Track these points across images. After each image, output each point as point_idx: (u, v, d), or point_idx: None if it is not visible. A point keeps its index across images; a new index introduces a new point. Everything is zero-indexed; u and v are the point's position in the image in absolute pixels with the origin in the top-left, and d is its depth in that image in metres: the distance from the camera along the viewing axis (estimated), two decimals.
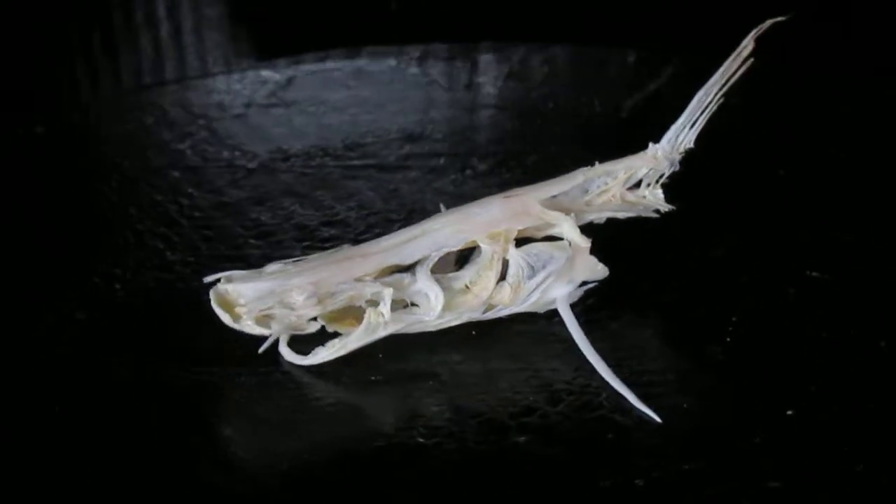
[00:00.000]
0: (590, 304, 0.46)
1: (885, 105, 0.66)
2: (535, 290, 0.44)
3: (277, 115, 0.67)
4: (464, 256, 0.46)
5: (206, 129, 0.65)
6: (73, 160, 0.62)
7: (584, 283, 0.46)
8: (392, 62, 0.74)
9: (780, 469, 0.38)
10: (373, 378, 0.43)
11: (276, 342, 0.43)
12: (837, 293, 0.47)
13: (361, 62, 0.75)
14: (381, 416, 0.41)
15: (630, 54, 0.74)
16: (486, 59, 0.74)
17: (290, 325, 0.42)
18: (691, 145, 0.48)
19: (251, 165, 0.60)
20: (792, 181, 0.58)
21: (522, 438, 0.39)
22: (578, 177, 0.47)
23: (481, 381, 0.43)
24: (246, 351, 0.44)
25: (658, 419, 0.40)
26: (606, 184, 0.47)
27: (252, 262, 0.50)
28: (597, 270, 0.45)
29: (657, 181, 0.48)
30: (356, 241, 0.52)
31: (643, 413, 0.40)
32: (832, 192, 0.57)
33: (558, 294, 0.45)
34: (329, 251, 0.45)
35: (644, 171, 0.47)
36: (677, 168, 0.48)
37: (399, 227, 0.52)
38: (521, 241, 0.45)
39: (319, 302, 0.42)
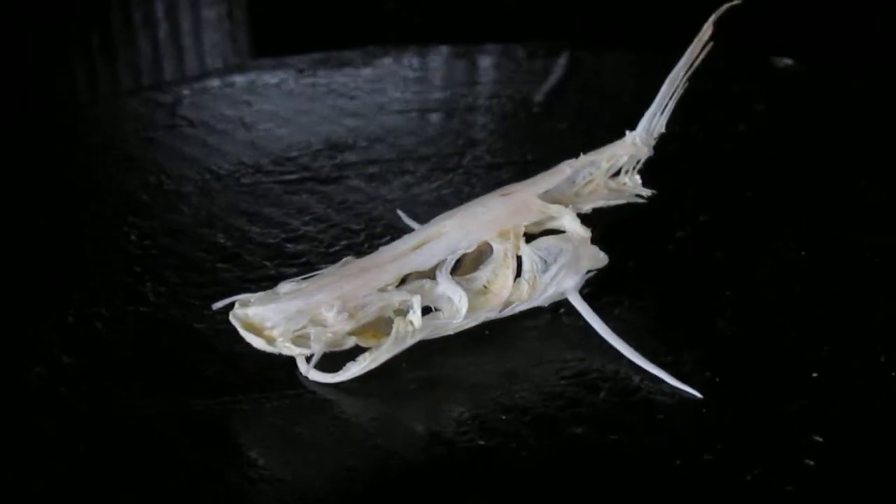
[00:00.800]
0: (587, 293, 0.47)
1: (866, 97, 0.69)
2: (550, 283, 0.44)
3: (187, 135, 0.65)
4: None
5: (120, 155, 0.62)
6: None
7: (587, 272, 0.46)
8: (282, 74, 0.73)
9: (825, 425, 0.39)
10: (403, 388, 0.42)
11: (295, 363, 0.42)
12: (817, 266, 0.50)
13: (251, 76, 0.73)
14: (427, 424, 0.40)
15: (522, 50, 0.76)
16: (385, 63, 0.74)
17: (329, 341, 0.41)
18: (664, 130, 0.49)
19: (184, 189, 0.58)
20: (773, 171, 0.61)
21: (579, 430, 0.40)
22: (566, 170, 0.47)
23: (513, 379, 0.42)
24: (267, 375, 0.42)
25: (699, 395, 0.41)
26: (591, 174, 0.48)
27: (232, 285, 0.49)
28: (599, 259, 0.46)
29: (634, 168, 0.49)
30: (327, 255, 0.51)
31: (682, 391, 0.41)
32: (814, 182, 0.59)
33: (568, 285, 0.45)
34: (338, 265, 0.44)
35: (624, 158, 0.49)
36: (652, 154, 0.49)
37: (364, 238, 0.52)
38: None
39: (351, 316, 0.41)
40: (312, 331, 0.40)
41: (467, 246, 0.44)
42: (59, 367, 0.43)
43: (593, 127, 0.66)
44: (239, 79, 0.72)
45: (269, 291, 0.42)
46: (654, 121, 0.49)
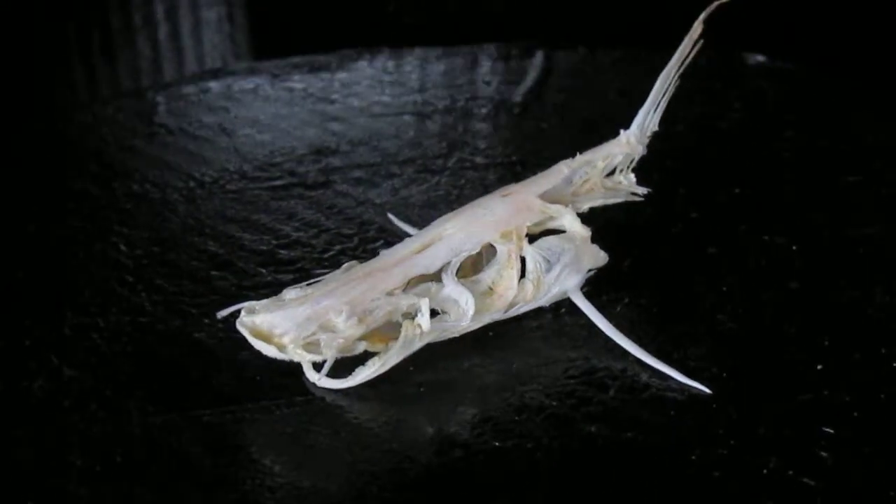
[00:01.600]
0: (586, 292, 0.47)
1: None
2: (554, 283, 0.45)
3: (167, 142, 0.64)
4: None
5: (100, 164, 0.61)
6: None
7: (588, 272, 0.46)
8: (257, 80, 0.73)
9: (834, 416, 0.40)
10: (413, 392, 0.42)
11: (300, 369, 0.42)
12: (808, 258, 0.51)
13: (227, 81, 0.73)
14: (441, 427, 0.40)
15: (493, 50, 0.76)
16: (360, 66, 0.74)
17: (340, 347, 0.40)
18: (657, 128, 0.50)
19: (170, 197, 0.57)
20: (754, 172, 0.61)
21: (593, 428, 0.40)
22: (564, 169, 0.47)
23: (522, 379, 0.43)
24: (275, 382, 0.42)
25: (707, 390, 0.41)
26: (587, 173, 0.48)
27: (228, 293, 0.48)
28: (599, 257, 0.46)
29: (629, 167, 0.49)
30: (322, 261, 0.51)
31: (690, 387, 0.42)
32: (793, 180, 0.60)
33: (571, 285, 0.45)
34: (341, 270, 0.43)
35: (620, 157, 0.49)
36: (645, 152, 0.50)
37: (357, 242, 0.52)
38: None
39: (360, 321, 0.41)
40: (323, 337, 0.40)
41: (471, 248, 0.44)
42: (61, 380, 0.42)
43: (574, 126, 0.67)
44: (214, 85, 0.72)
45: (275, 298, 0.42)
46: (647, 119, 0.49)
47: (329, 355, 0.40)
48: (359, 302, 0.41)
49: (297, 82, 0.73)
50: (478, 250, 0.44)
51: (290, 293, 0.42)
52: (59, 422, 0.40)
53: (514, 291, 0.44)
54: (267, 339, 0.40)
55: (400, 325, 0.42)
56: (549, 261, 0.45)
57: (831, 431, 0.39)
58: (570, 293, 0.45)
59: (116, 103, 0.68)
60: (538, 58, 0.75)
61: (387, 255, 0.43)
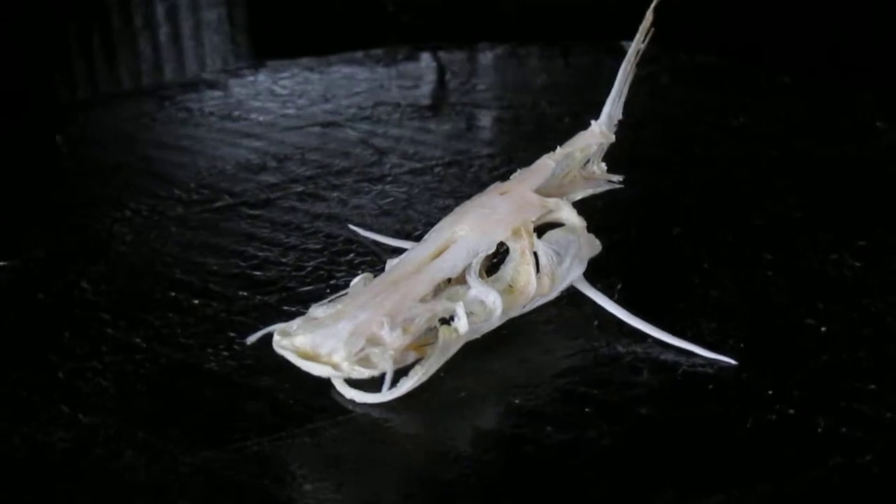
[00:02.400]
0: None
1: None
2: (566, 275, 0.45)
3: (87, 172, 0.61)
4: None
5: (28, 202, 0.57)
6: None
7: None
8: (152, 105, 0.70)
9: (862, 373, 0.42)
10: (453, 397, 0.41)
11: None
12: (772, 234, 0.53)
13: (121, 110, 0.70)
14: (497, 427, 0.40)
15: (382, 54, 0.76)
16: (250, 81, 0.72)
17: (395, 359, 0.39)
18: (621, 116, 0.51)
19: (116, 230, 0.54)
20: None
21: (643, 410, 0.40)
22: (550, 163, 0.48)
23: (555, 372, 0.43)
24: (308, 404, 0.41)
25: (733, 361, 0.43)
26: (568, 165, 0.49)
27: (220, 319, 0.46)
28: (596, 246, 0.47)
29: (599, 156, 0.51)
30: (303, 279, 0.50)
31: (717, 360, 0.43)
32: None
33: (577, 275, 0.46)
34: (359, 283, 0.43)
35: (594, 147, 0.50)
36: (614, 140, 0.51)
37: (329, 256, 0.51)
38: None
39: (405, 331, 0.40)
40: (374, 350, 0.39)
41: (487, 248, 0.44)
42: (82, 429, 0.40)
43: (490, 123, 0.68)
44: (110, 113, 0.68)
45: (306, 317, 0.41)
46: (613, 108, 0.51)
47: (387, 368, 0.39)
48: (397, 312, 0.40)
49: (194, 103, 0.70)
50: (493, 250, 0.44)
51: (318, 311, 0.41)
52: (96, 474, 0.38)
53: (533, 286, 0.44)
54: (315, 358, 0.39)
55: (430, 331, 0.41)
56: (559, 253, 0.45)
57: (874, 387, 0.41)
58: (577, 283, 0.46)
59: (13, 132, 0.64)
60: (428, 59, 0.75)
61: (403, 264, 0.43)
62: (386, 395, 0.40)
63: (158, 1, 0.83)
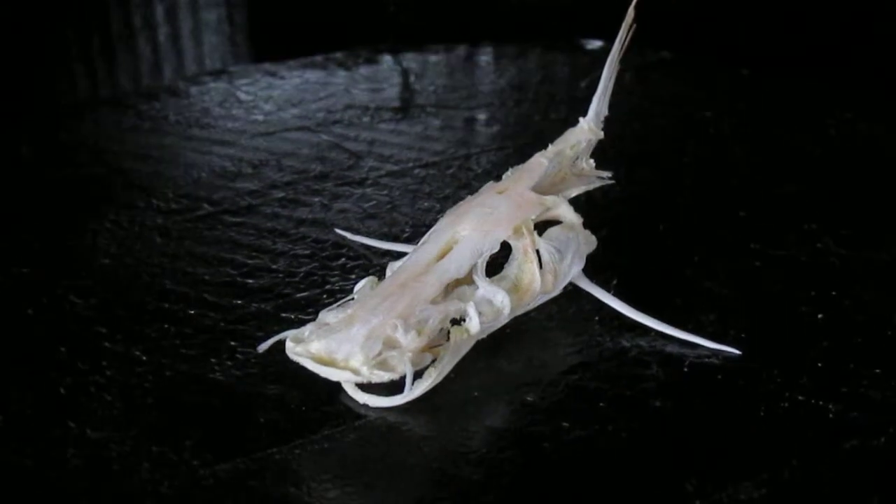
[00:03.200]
0: None
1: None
2: (567, 271, 0.45)
3: (58, 182, 0.59)
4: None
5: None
6: None
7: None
8: (117, 115, 0.69)
9: (862, 359, 0.43)
10: (467, 396, 0.41)
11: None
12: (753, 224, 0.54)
13: (88, 120, 0.68)
14: (513, 425, 0.40)
15: (343, 58, 0.76)
16: (213, 87, 0.71)
17: (414, 361, 0.39)
18: (607, 112, 0.51)
19: (99, 242, 0.53)
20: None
21: (657, 403, 0.41)
22: (544, 161, 0.48)
23: (564, 368, 0.43)
24: (322, 410, 0.40)
25: (737, 351, 0.43)
26: (560, 163, 0.49)
27: (219, 330, 0.46)
28: (592, 242, 0.47)
29: (588, 152, 0.51)
30: (298, 285, 0.49)
31: (720, 350, 0.44)
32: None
33: (577, 271, 0.46)
34: (365, 287, 0.42)
35: (584, 144, 0.50)
36: (602, 137, 0.51)
37: (321, 261, 0.51)
38: None
39: (419, 333, 0.40)
40: (392, 354, 0.39)
41: (490, 247, 0.44)
42: (94, 446, 0.39)
43: (459, 123, 0.68)
44: (78, 122, 0.67)
45: (317, 322, 0.41)
46: (600, 105, 0.51)
47: (407, 370, 0.39)
48: (409, 314, 0.40)
49: (157, 111, 0.69)
50: (497, 249, 0.44)
51: (328, 316, 0.41)
52: (116, 490, 0.37)
53: (538, 284, 0.44)
54: (332, 364, 0.39)
55: (439, 333, 0.41)
56: (560, 250, 0.45)
57: (878, 371, 0.42)
58: (577, 280, 0.46)
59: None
60: (390, 61, 0.75)
61: (408, 266, 0.43)
62: (401, 398, 0.40)
63: (136, 9, 0.82)
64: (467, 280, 0.43)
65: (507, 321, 0.43)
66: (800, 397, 0.41)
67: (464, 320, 0.41)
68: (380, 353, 0.39)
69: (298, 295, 0.48)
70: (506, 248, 0.44)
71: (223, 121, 0.68)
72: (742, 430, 0.39)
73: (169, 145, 0.64)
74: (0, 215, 0.56)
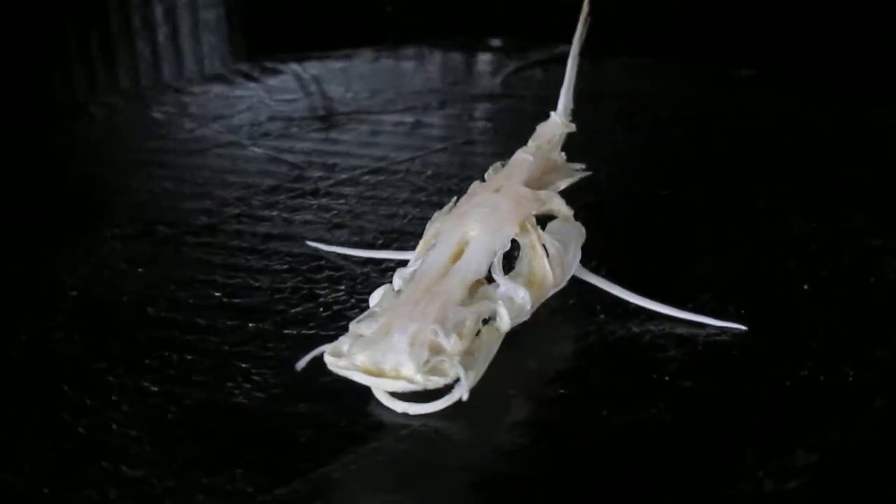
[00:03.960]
0: None
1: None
2: (572, 263, 0.46)
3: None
4: None
5: None
6: None
7: None
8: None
9: (870, 329, 0.45)
10: (495, 397, 0.41)
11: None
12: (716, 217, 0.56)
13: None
14: (555, 420, 0.40)
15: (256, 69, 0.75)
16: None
17: (464, 364, 0.39)
18: (573, 105, 0.52)
19: (59, 273, 0.51)
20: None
21: (688, 383, 0.42)
22: (528, 157, 0.49)
23: (584, 358, 0.44)
24: (359, 424, 0.40)
25: (743, 326, 0.45)
26: (541, 158, 0.50)
27: (225, 353, 0.44)
28: (583, 233, 0.48)
29: (559, 147, 0.52)
30: (283, 299, 0.48)
31: (727, 327, 0.45)
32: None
33: (577, 262, 0.47)
34: (386, 295, 0.42)
35: (557, 137, 0.51)
36: (574, 129, 0.52)
37: (303, 275, 0.50)
38: None
39: (460, 336, 0.39)
40: (439, 359, 0.38)
41: (502, 245, 0.44)
42: (131, 484, 0.37)
43: (398, 127, 0.67)
44: None
45: (351, 334, 0.40)
46: (567, 99, 0.52)
47: (461, 373, 0.38)
48: (444, 318, 0.40)
49: (66, 132, 0.66)
50: (508, 246, 0.44)
51: (360, 327, 0.40)
52: None
53: (550, 278, 0.44)
54: (380, 375, 0.38)
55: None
56: (564, 243, 0.46)
57: (879, 333, 0.44)
58: (578, 271, 0.47)
59: None
60: (295, 70, 0.75)
61: (427, 270, 0.42)
62: (443, 403, 0.40)
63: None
64: (485, 280, 0.43)
65: (528, 317, 0.43)
66: (815, 365, 0.42)
67: (493, 319, 0.42)
68: (428, 360, 0.39)
69: (293, 311, 0.47)
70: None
71: (145, 140, 0.66)
72: (773, 400, 0.41)
73: (95, 168, 0.62)
74: None
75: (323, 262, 0.51)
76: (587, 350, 0.44)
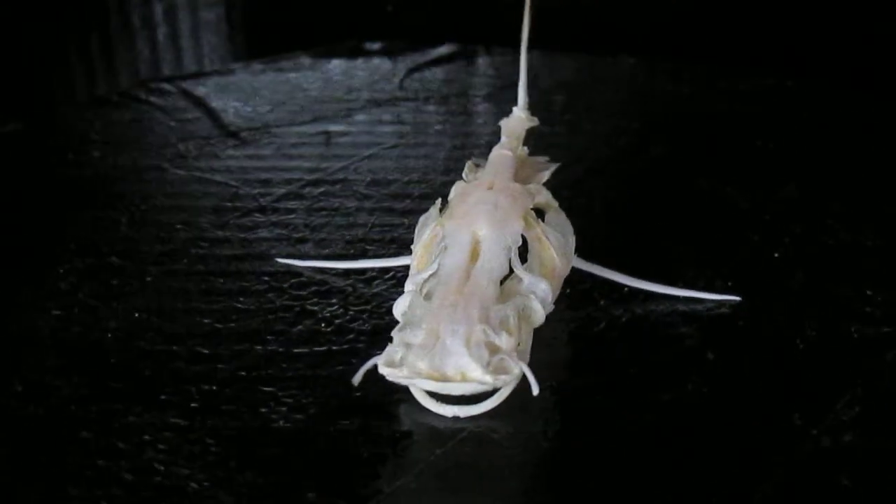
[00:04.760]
0: None
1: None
2: (571, 252, 0.47)
3: None
4: None
5: None
6: None
7: None
8: None
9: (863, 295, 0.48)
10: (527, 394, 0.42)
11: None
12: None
13: None
14: (580, 410, 0.41)
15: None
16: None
17: (523, 359, 0.39)
18: (527, 99, 0.53)
19: (31, 317, 0.47)
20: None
21: (711, 356, 0.43)
22: (507, 153, 0.49)
23: (598, 346, 0.45)
24: (408, 434, 0.39)
25: (738, 298, 0.47)
26: (516, 153, 0.50)
27: (242, 378, 0.43)
28: (570, 224, 0.49)
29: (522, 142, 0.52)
30: (282, 318, 0.47)
31: (724, 300, 0.47)
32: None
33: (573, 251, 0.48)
34: (414, 302, 0.41)
35: (523, 132, 0.52)
36: (538, 123, 0.53)
37: (289, 292, 0.50)
38: None
39: (508, 333, 0.40)
40: (499, 357, 0.38)
41: (513, 241, 0.44)
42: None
43: (311, 141, 0.67)
44: None
45: (399, 343, 0.39)
46: (524, 94, 0.53)
47: (525, 369, 0.38)
48: (486, 318, 0.40)
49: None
50: (520, 241, 0.44)
51: (407, 335, 0.39)
52: None
53: (559, 268, 0.45)
54: (444, 380, 0.38)
55: None
56: (563, 233, 0.46)
57: (869, 293, 0.47)
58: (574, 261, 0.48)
59: None
60: (185, 87, 0.73)
61: (450, 272, 0.42)
62: (492, 402, 0.40)
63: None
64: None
65: (552, 308, 0.44)
66: (822, 327, 0.45)
67: (526, 313, 0.42)
68: (489, 360, 0.39)
69: (295, 329, 0.46)
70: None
71: (60, 169, 0.62)
72: (793, 363, 0.43)
73: (25, 196, 0.58)
74: None
75: (303, 279, 0.50)
76: (601, 336, 0.45)
